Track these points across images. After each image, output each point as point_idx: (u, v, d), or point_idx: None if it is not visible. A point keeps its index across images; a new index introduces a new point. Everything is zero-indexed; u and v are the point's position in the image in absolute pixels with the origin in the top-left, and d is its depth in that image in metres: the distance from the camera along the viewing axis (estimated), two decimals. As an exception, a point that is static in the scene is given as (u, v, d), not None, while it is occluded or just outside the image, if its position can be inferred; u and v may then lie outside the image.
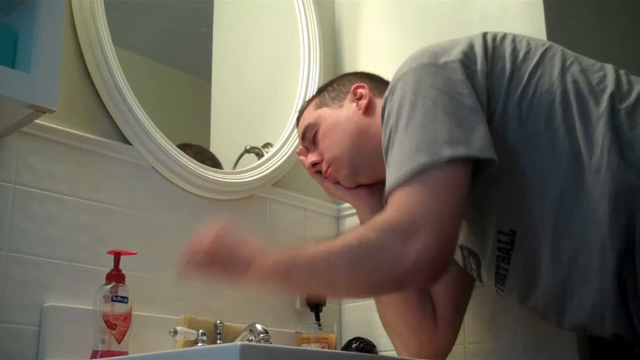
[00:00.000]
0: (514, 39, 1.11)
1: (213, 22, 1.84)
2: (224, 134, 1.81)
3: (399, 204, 0.96)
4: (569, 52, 1.12)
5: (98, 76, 1.48)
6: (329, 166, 1.37)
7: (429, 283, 0.99)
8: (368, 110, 1.34)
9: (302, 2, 1.95)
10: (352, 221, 1.87)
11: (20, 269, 1.31)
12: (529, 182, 1.03)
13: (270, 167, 1.75)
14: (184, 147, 1.61)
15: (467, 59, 1.06)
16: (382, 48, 1.91)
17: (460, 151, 0.96)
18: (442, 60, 1.06)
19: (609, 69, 1.09)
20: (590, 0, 1.70)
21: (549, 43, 1.14)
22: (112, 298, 1.31)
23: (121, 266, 1.35)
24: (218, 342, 1.47)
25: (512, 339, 1.46)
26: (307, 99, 1.50)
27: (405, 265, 0.92)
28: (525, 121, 1.04)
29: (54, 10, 1.26)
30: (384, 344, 1.68)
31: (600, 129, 1.01)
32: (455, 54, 1.07)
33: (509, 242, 1.07)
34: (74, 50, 1.47)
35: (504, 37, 1.11)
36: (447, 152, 0.96)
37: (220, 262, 1.07)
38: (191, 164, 1.59)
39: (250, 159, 1.79)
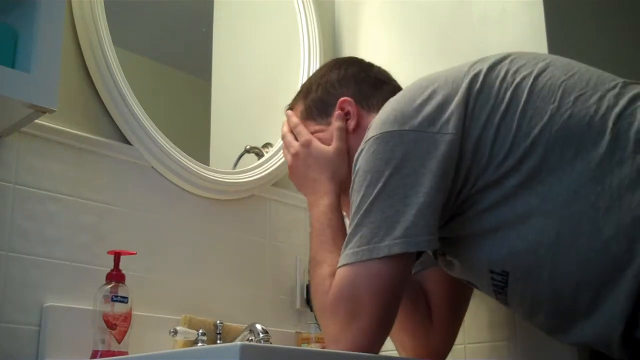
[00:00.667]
0: (500, 79, 1.06)
1: (213, 22, 1.84)
2: (224, 134, 1.81)
3: (344, 284, 1.04)
4: (557, 74, 1.06)
5: (98, 76, 1.48)
6: None
7: (371, 351, 1.04)
8: (356, 129, 1.30)
9: (302, 2, 1.95)
10: (352, 221, 1.87)
11: (20, 269, 1.31)
12: (522, 224, 1.01)
13: (270, 167, 1.75)
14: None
15: (434, 123, 1.03)
16: (382, 48, 1.91)
17: (396, 249, 1.00)
18: (407, 125, 1.04)
19: (605, 86, 1.04)
20: (591, 1, 1.70)
21: (540, 67, 1.07)
22: (112, 298, 1.31)
23: (121, 266, 1.35)
24: (218, 342, 1.47)
25: (512, 339, 1.46)
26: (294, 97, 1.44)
27: (349, 339, 1.02)
28: (518, 166, 1.01)
29: (54, 10, 1.26)
30: (384, 344, 1.68)
31: (607, 168, 0.97)
32: (423, 116, 1.04)
33: (503, 281, 1.06)
34: (74, 50, 1.47)
35: (487, 77, 1.06)
36: (384, 250, 1.00)
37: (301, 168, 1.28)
38: (191, 164, 1.59)
39: (250, 159, 1.79)
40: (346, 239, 1.06)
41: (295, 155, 1.31)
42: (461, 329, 1.54)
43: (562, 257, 0.99)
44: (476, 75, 1.06)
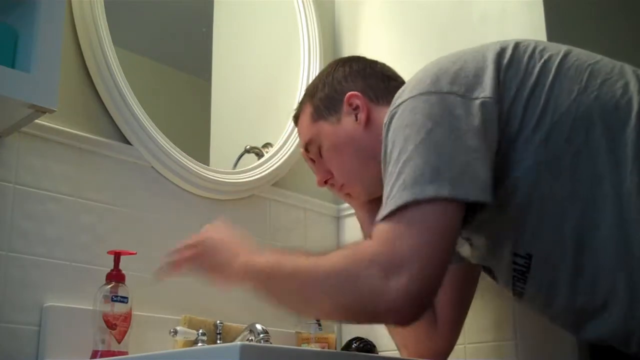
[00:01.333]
0: (529, 54, 1.05)
1: (213, 22, 1.84)
2: (224, 134, 1.81)
3: (384, 238, 0.93)
4: (583, 58, 1.06)
5: (98, 76, 1.48)
6: (341, 185, 1.34)
7: (405, 322, 0.93)
8: (368, 123, 1.27)
9: (302, 2, 1.95)
10: (352, 221, 1.87)
11: (20, 269, 1.31)
12: (547, 207, 1.00)
13: (270, 167, 1.75)
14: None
15: (472, 89, 1.00)
16: (382, 48, 1.91)
17: (444, 192, 0.92)
18: (445, 89, 1.00)
19: (629, 74, 1.04)
20: (591, 1, 1.70)
21: (564, 50, 1.07)
22: (112, 298, 1.31)
23: (121, 266, 1.35)
24: (218, 342, 1.47)
25: (512, 339, 1.46)
26: (300, 98, 1.42)
27: (385, 301, 0.90)
28: (545, 143, 0.99)
29: (54, 10, 1.26)
30: (384, 344, 1.68)
31: (630, 151, 0.96)
32: (460, 82, 1.01)
33: (525, 265, 1.04)
34: (74, 50, 1.47)
35: (513, 53, 1.04)
36: (430, 191, 0.92)
37: (206, 256, 1.11)
38: (191, 164, 1.59)
39: (250, 159, 1.79)
40: (385, 193, 0.96)
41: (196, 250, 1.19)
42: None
43: (585, 243, 0.98)
44: (504, 50, 1.05)
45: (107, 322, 1.29)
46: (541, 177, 0.99)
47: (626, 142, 0.97)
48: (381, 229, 0.94)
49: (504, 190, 1.00)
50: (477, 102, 0.99)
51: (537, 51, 1.05)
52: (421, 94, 1.00)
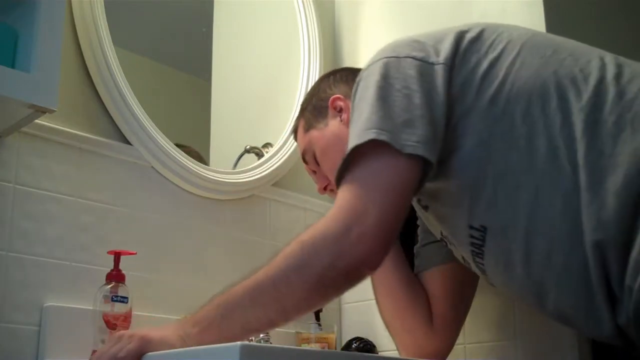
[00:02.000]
0: (497, 34, 1.08)
1: (213, 22, 1.84)
2: (224, 134, 1.81)
3: (340, 199, 0.99)
4: (550, 37, 1.09)
5: (98, 76, 1.48)
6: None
7: (370, 270, 0.98)
8: None
9: (302, 2, 1.95)
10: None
11: (20, 269, 1.31)
12: (502, 180, 1.01)
13: (270, 167, 1.75)
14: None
15: (429, 55, 1.06)
16: (382, 48, 1.91)
17: (383, 137, 0.97)
18: (403, 54, 1.06)
19: (594, 54, 1.05)
20: (591, 1, 1.70)
21: (534, 32, 1.11)
22: (112, 298, 1.31)
23: (121, 266, 1.35)
24: (218, 342, 1.47)
25: (512, 339, 1.46)
26: (295, 116, 1.47)
27: (347, 255, 0.95)
28: (501, 116, 1.01)
29: (54, 10, 1.26)
30: (384, 344, 1.68)
31: (580, 124, 0.97)
32: (418, 49, 1.07)
33: (481, 237, 1.05)
34: (74, 50, 1.47)
35: (481, 32, 1.09)
36: (370, 135, 0.97)
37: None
38: (191, 164, 1.59)
39: (250, 159, 1.79)
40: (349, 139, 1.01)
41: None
42: (461, 329, 1.54)
43: (537, 217, 0.98)
44: (471, 29, 1.09)
45: (107, 322, 1.29)
46: (496, 149, 1.01)
47: (580, 117, 0.97)
48: (341, 190, 1.00)
49: (459, 160, 1.03)
50: (430, 65, 1.04)
51: (505, 34, 1.09)
52: (381, 59, 1.07)
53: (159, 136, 1.54)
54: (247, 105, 1.87)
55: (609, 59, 1.03)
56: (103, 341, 1.28)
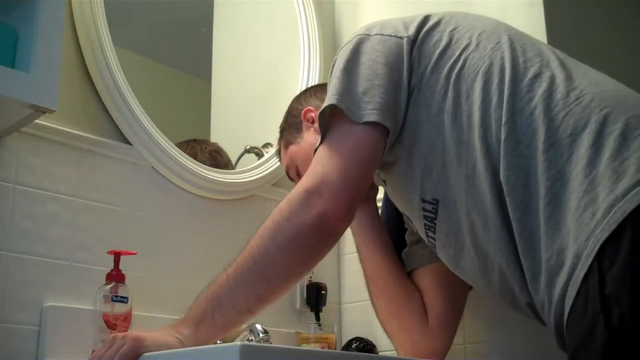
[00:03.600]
0: (458, 19, 1.14)
1: (213, 22, 1.84)
2: (224, 134, 1.81)
3: (308, 169, 1.06)
4: (517, 32, 1.13)
5: (98, 76, 1.48)
6: None
7: (338, 222, 1.03)
8: None
9: (302, 2, 1.95)
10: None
11: (20, 269, 1.31)
12: (448, 152, 1.05)
13: (270, 167, 1.75)
14: (191, 143, 1.62)
15: (398, 31, 1.13)
16: (382, 48, 1.91)
17: (343, 105, 1.04)
18: (374, 32, 1.14)
19: (545, 51, 1.08)
20: (591, 1, 1.70)
21: (496, 23, 1.15)
22: (112, 298, 1.31)
23: (121, 266, 1.35)
24: (218, 342, 1.47)
25: (512, 339, 1.46)
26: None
27: (314, 211, 1.01)
28: (451, 92, 1.06)
29: (54, 10, 1.26)
30: (384, 344, 1.68)
31: (507, 110, 1.00)
32: (389, 27, 1.14)
33: (433, 210, 1.09)
34: (74, 50, 1.47)
35: (448, 16, 1.15)
36: (332, 100, 1.05)
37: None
38: (191, 164, 1.59)
39: (250, 159, 1.79)
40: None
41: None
42: (461, 329, 1.54)
43: (474, 189, 1.02)
44: (439, 15, 1.16)
45: (107, 322, 1.29)
46: (445, 124, 1.06)
47: (509, 102, 1.01)
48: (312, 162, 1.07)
49: (412, 132, 1.08)
50: (398, 39, 1.12)
51: (469, 19, 1.15)
52: (354, 37, 1.14)
53: (159, 136, 1.54)
54: (247, 105, 1.87)
55: (555, 59, 1.06)
56: (103, 341, 1.28)
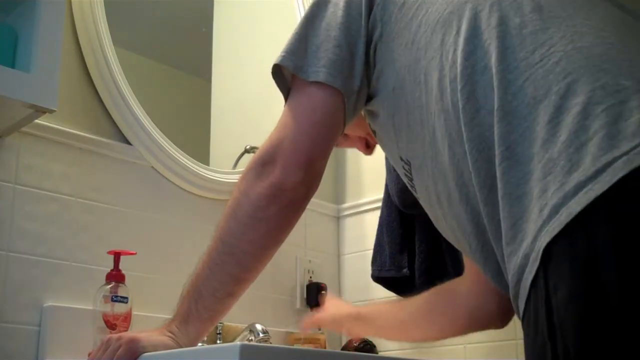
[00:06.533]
0: None
1: (213, 22, 1.84)
2: (224, 134, 1.81)
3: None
4: None
5: (98, 76, 1.48)
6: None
7: (292, 192, 0.98)
8: None
9: (302, 2, 1.95)
10: (352, 221, 1.87)
11: (20, 269, 1.31)
12: (411, 112, 0.94)
13: (270, 167, 1.75)
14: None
15: None
16: (382, 48, 1.91)
17: (288, 63, 0.99)
18: None
19: None
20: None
21: None
22: (112, 298, 1.31)
23: (121, 266, 1.35)
24: (218, 342, 1.47)
25: (512, 339, 1.46)
26: None
27: (267, 180, 0.97)
28: (411, 45, 0.94)
29: (54, 10, 1.26)
30: (384, 344, 1.68)
31: (461, 66, 0.85)
32: None
33: (409, 171, 1.01)
34: (74, 50, 1.47)
35: None
36: (278, 60, 1.00)
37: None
38: (191, 164, 1.59)
39: (250, 159, 1.78)
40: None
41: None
42: (461, 329, 1.54)
43: (437, 157, 0.91)
44: None
45: (107, 322, 1.29)
46: (407, 81, 0.95)
47: (461, 57, 0.87)
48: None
49: (381, 88, 1.00)
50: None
51: None
52: None
53: (159, 136, 1.54)
54: (247, 105, 1.87)
55: (529, 1, 0.88)
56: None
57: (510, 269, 0.79)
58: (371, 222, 1.75)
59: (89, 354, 1.13)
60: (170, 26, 1.78)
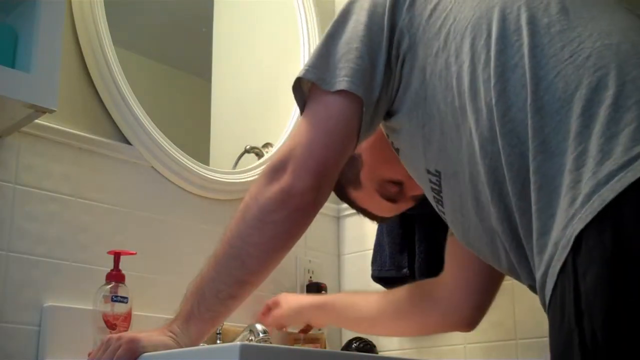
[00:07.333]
0: None
1: (213, 22, 1.84)
2: (224, 134, 1.81)
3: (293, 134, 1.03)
4: None
5: (98, 76, 1.48)
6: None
7: (302, 197, 0.98)
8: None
9: (302, 2, 1.95)
10: (352, 221, 1.87)
11: (20, 269, 1.31)
12: (445, 119, 0.95)
13: (270, 167, 1.75)
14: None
15: None
16: (382, 48, 1.90)
17: (311, 76, 1.01)
18: None
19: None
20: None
21: None
22: (112, 298, 1.31)
23: (121, 266, 1.35)
24: (218, 342, 1.47)
25: (512, 339, 1.46)
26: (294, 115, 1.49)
27: (277, 185, 0.98)
28: (441, 52, 0.95)
29: (54, 10, 1.26)
30: (384, 344, 1.68)
31: (495, 69, 0.87)
32: None
33: (437, 182, 1.01)
34: (74, 50, 1.47)
35: None
36: (301, 73, 1.02)
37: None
38: (191, 164, 1.59)
39: (250, 159, 1.79)
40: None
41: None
42: (461, 329, 1.54)
43: (475, 158, 0.91)
44: None
45: (107, 322, 1.29)
46: (437, 88, 0.96)
47: (495, 59, 0.89)
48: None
49: (409, 98, 1.00)
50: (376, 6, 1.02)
51: None
52: None
53: (159, 136, 1.54)
54: (247, 105, 1.87)
55: (556, 2, 0.90)
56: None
57: (541, 260, 0.80)
58: (371, 222, 1.75)
59: (89, 354, 1.13)
60: (170, 26, 1.78)
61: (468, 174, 0.93)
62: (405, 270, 1.54)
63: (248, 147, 1.80)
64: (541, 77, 0.83)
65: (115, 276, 1.33)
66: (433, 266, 1.45)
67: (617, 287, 0.71)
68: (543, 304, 0.82)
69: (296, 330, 1.60)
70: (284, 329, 1.56)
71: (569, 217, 0.76)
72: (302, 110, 1.05)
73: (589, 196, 0.75)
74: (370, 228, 1.68)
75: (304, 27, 1.94)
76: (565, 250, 0.76)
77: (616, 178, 0.73)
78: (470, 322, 1.31)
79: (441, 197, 1.02)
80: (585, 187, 0.75)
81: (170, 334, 1.03)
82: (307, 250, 1.80)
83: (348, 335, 1.73)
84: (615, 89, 0.79)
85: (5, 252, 1.30)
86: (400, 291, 1.38)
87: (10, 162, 1.34)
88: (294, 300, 1.50)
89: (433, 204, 1.07)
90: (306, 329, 1.59)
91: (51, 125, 1.39)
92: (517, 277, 0.96)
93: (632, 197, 0.72)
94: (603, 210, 0.73)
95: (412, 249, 1.54)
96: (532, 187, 0.81)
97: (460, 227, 1.02)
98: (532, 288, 0.90)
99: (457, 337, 1.54)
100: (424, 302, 1.34)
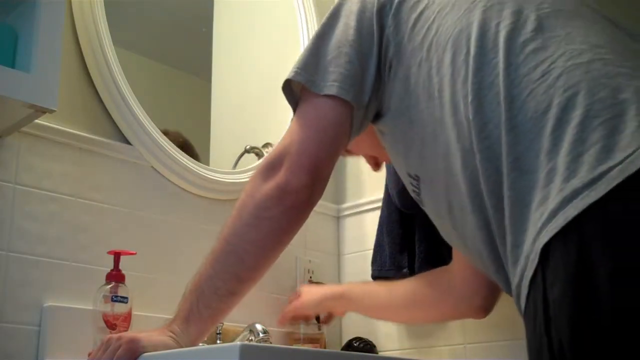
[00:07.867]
0: None
1: (213, 22, 1.84)
2: (224, 134, 1.81)
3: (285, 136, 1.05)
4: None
5: (98, 76, 1.48)
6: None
7: (297, 193, 1.00)
8: None
9: (302, 2, 1.95)
10: (352, 221, 1.87)
11: (20, 269, 1.31)
12: (425, 128, 0.98)
13: (270, 167, 1.75)
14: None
15: None
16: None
17: (300, 77, 1.03)
18: None
19: (523, 4, 0.93)
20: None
21: None
22: (112, 298, 1.31)
23: (121, 266, 1.35)
24: (218, 342, 1.47)
25: (512, 339, 1.46)
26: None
27: (272, 182, 1.00)
28: (424, 63, 0.98)
29: (54, 10, 1.26)
30: (384, 344, 1.68)
31: (472, 85, 0.90)
32: None
33: (417, 186, 1.05)
34: (74, 50, 1.47)
35: None
36: (290, 75, 1.03)
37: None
38: (191, 164, 1.59)
39: (250, 159, 1.79)
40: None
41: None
42: (461, 328, 1.54)
43: (451, 169, 0.94)
44: None
45: (107, 322, 1.29)
46: (420, 98, 0.99)
47: (473, 77, 0.91)
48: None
49: (393, 106, 1.03)
50: (372, 2, 1.05)
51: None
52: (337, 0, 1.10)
53: (159, 136, 1.54)
54: (247, 105, 1.87)
55: (533, 20, 0.91)
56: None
57: (515, 271, 0.83)
58: (371, 222, 1.75)
59: (89, 354, 1.13)
60: (170, 26, 1.78)
61: (443, 184, 0.97)
62: (405, 270, 1.54)
63: (248, 147, 1.80)
64: (514, 95, 0.86)
65: (115, 276, 1.33)
66: (433, 266, 1.45)
67: (579, 302, 0.74)
68: (520, 311, 0.85)
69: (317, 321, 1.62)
70: (309, 320, 1.59)
71: (537, 232, 0.79)
72: (294, 110, 1.07)
73: (555, 212, 0.78)
74: (370, 228, 1.68)
75: (304, 27, 1.94)
76: (534, 262, 0.79)
77: (580, 196, 0.76)
78: (484, 308, 1.33)
79: (421, 198, 1.06)
80: (551, 204, 0.79)
81: (170, 333, 1.03)
82: (307, 250, 1.80)
83: (348, 335, 1.73)
84: (583, 109, 0.81)
85: (5, 252, 1.30)
86: (416, 284, 1.40)
87: (10, 162, 1.34)
88: (315, 291, 1.53)
89: (417, 202, 1.10)
90: (327, 319, 1.61)
91: (51, 125, 1.39)
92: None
93: (595, 215, 0.75)
94: (567, 225, 0.76)
95: (412, 249, 1.54)
96: (505, 201, 0.85)
97: (442, 230, 1.07)
98: (510, 294, 0.92)
99: (457, 337, 1.54)
100: (437, 290, 1.36)
